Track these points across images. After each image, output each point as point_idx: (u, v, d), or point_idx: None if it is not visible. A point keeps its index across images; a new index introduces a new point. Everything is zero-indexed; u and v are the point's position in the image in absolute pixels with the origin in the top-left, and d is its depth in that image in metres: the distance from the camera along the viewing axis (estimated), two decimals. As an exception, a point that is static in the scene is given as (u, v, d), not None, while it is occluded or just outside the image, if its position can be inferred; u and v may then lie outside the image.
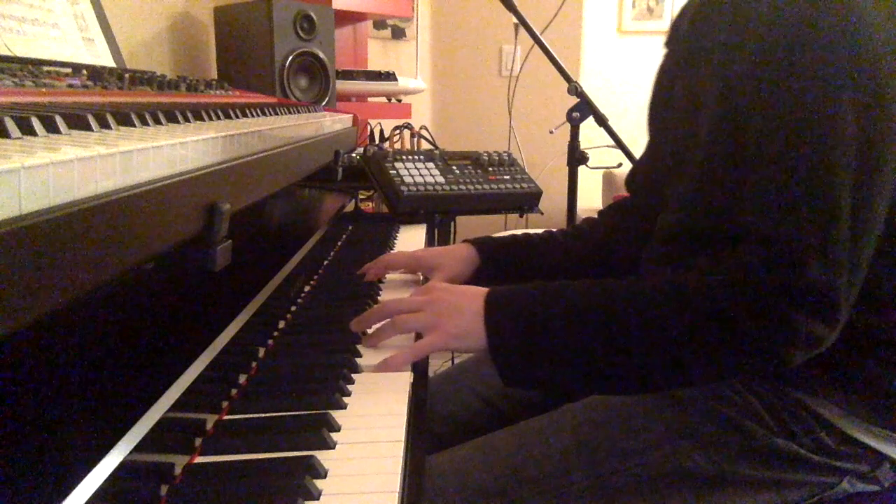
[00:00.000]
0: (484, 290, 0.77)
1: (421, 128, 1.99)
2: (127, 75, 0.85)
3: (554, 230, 1.15)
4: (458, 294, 0.78)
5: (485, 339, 0.74)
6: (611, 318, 0.73)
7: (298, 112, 1.13)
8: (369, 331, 0.79)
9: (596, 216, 1.17)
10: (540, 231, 1.13)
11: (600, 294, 0.75)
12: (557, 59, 1.71)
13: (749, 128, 0.75)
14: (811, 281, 0.68)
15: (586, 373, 0.74)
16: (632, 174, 1.14)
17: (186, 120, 0.63)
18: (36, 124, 0.40)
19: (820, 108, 0.70)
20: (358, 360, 0.73)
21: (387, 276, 1.06)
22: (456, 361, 2.55)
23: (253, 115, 0.87)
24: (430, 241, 1.32)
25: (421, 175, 1.42)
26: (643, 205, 1.06)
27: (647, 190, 1.05)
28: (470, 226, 1.86)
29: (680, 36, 0.94)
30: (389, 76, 2.08)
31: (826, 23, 0.71)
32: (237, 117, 0.79)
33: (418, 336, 0.78)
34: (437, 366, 2.63)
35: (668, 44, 0.99)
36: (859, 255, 0.70)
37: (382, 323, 0.78)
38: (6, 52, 0.82)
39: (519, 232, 1.18)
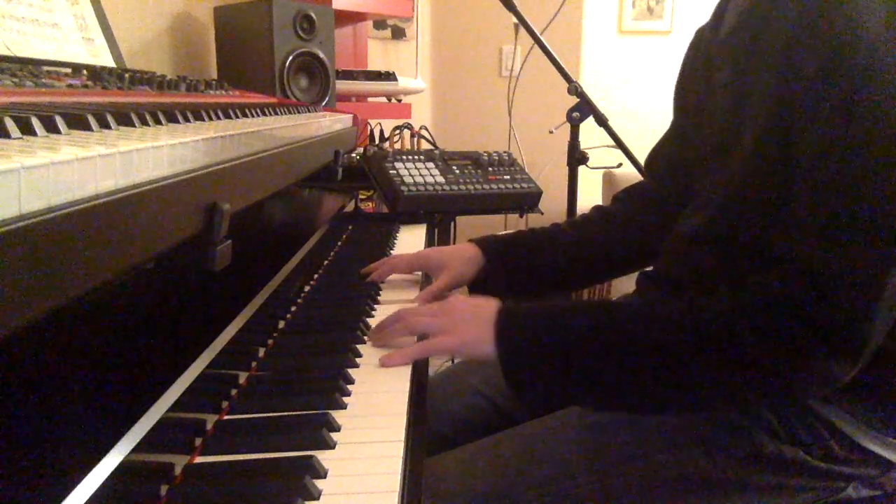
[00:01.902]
0: (498, 302, 0.78)
1: (421, 128, 1.99)
2: (127, 75, 0.85)
3: (560, 223, 1.12)
4: (473, 304, 0.78)
5: (494, 348, 0.74)
6: (623, 341, 0.72)
7: (298, 112, 1.13)
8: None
9: (609, 204, 1.12)
10: (546, 226, 1.11)
11: (615, 315, 0.74)
12: (557, 59, 1.71)
13: (802, 148, 0.69)
14: (843, 320, 0.64)
15: (594, 392, 0.74)
16: (653, 157, 1.08)
17: (186, 120, 0.63)
18: (36, 124, 0.40)
19: (885, 148, 0.64)
20: (358, 360, 0.73)
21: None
22: (456, 360, 2.55)
23: (253, 115, 0.87)
24: (430, 241, 1.32)
25: (421, 175, 1.42)
26: (663, 191, 1.02)
27: (670, 176, 1.01)
28: (470, 226, 1.86)
29: (725, 22, 0.88)
30: (389, 76, 2.08)
31: None
32: (237, 117, 0.79)
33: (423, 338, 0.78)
34: (437, 365, 2.63)
35: (711, 31, 0.93)
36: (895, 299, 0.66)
37: (394, 322, 0.78)
38: (6, 52, 0.82)
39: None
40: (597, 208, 1.12)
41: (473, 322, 0.75)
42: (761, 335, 0.67)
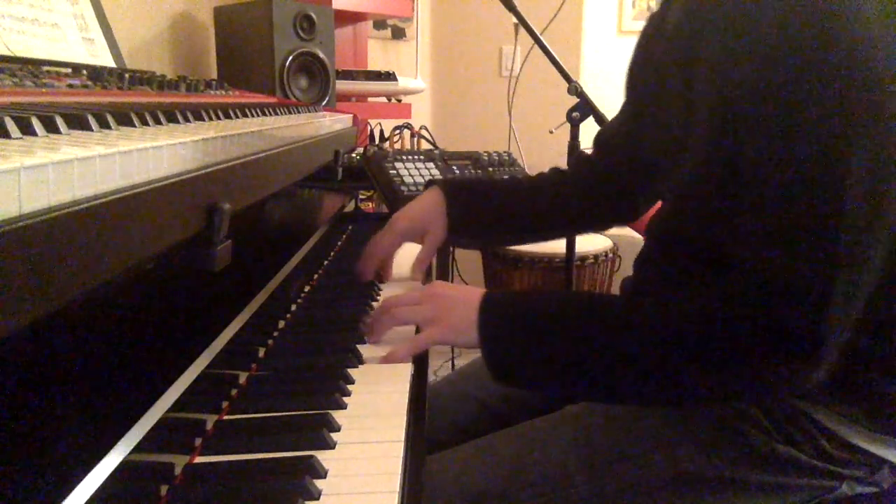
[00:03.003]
0: (482, 289, 0.79)
1: (421, 128, 1.99)
2: (127, 75, 0.85)
3: (519, 177, 1.17)
4: (457, 290, 0.80)
5: (476, 334, 0.75)
6: (599, 336, 0.73)
7: (298, 112, 1.13)
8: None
9: (564, 166, 1.17)
10: (504, 178, 1.14)
11: (594, 306, 0.76)
12: (557, 59, 1.71)
13: (748, 151, 0.69)
14: (796, 323, 0.65)
15: (569, 379, 0.75)
16: (601, 134, 1.12)
17: (186, 120, 0.63)
18: (36, 124, 0.40)
19: (832, 146, 0.64)
20: (358, 360, 0.73)
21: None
22: (456, 364, 2.56)
23: (253, 115, 0.87)
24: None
25: (421, 175, 1.42)
26: (609, 166, 1.07)
27: (616, 153, 1.05)
28: (470, 226, 1.86)
29: (670, 17, 0.87)
30: (389, 76, 2.08)
31: (839, 47, 0.64)
32: (237, 117, 0.79)
33: (419, 332, 0.79)
34: (436, 366, 2.63)
35: (652, 22, 0.94)
36: (853, 303, 0.66)
37: (381, 315, 0.79)
38: (6, 52, 0.82)
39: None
40: (554, 169, 1.15)
41: (458, 308, 0.76)
42: (723, 340, 0.68)
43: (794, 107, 0.66)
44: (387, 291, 0.99)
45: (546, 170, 1.16)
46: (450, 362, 2.58)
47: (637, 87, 1.00)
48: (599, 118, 1.71)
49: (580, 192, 1.10)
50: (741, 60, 0.69)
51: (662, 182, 0.90)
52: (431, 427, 0.99)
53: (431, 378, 0.90)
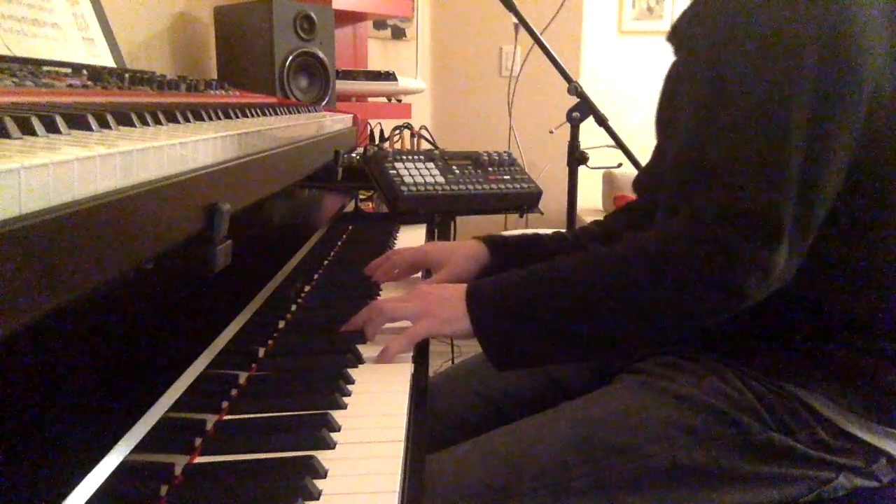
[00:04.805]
0: (464, 284, 0.82)
1: (421, 128, 1.99)
2: (127, 75, 0.85)
3: (564, 231, 1.16)
4: (443, 287, 0.84)
5: (468, 322, 0.78)
6: (577, 283, 0.77)
7: (298, 112, 1.13)
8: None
9: (603, 218, 1.18)
10: (549, 231, 1.13)
11: (568, 264, 0.80)
12: (557, 59, 1.71)
13: (726, 77, 0.76)
14: (748, 203, 0.70)
15: (565, 340, 0.78)
16: (638, 179, 1.15)
17: (186, 120, 0.63)
18: (36, 124, 0.40)
19: (779, 40, 0.73)
20: (358, 359, 0.73)
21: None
22: (456, 361, 2.56)
23: (253, 115, 0.87)
24: (429, 241, 1.32)
25: (421, 175, 1.42)
26: (647, 208, 1.05)
27: (651, 193, 1.05)
28: (470, 226, 1.86)
29: (681, 40, 0.95)
30: (389, 76, 2.08)
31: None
32: (237, 117, 0.79)
33: None
34: (437, 366, 2.63)
35: (671, 41, 0.99)
36: (813, 182, 0.71)
37: (372, 315, 0.80)
38: (6, 52, 0.82)
39: (529, 231, 1.18)
40: (595, 223, 1.17)
41: (447, 303, 0.80)
42: (689, 240, 0.73)
43: (753, 21, 0.75)
44: (386, 292, 0.99)
45: (588, 223, 1.18)
46: (449, 362, 2.58)
47: (662, 120, 1.03)
48: (599, 118, 1.71)
49: (615, 238, 1.10)
50: (726, 42, 0.78)
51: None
52: (430, 422, 0.99)
53: (431, 375, 0.90)
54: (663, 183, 0.95)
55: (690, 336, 0.86)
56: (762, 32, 0.75)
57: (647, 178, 1.11)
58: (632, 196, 1.17)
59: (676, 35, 0.97)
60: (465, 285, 0.81)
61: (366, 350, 0.76)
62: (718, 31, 0.79)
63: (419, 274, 1.06)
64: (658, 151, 1.07)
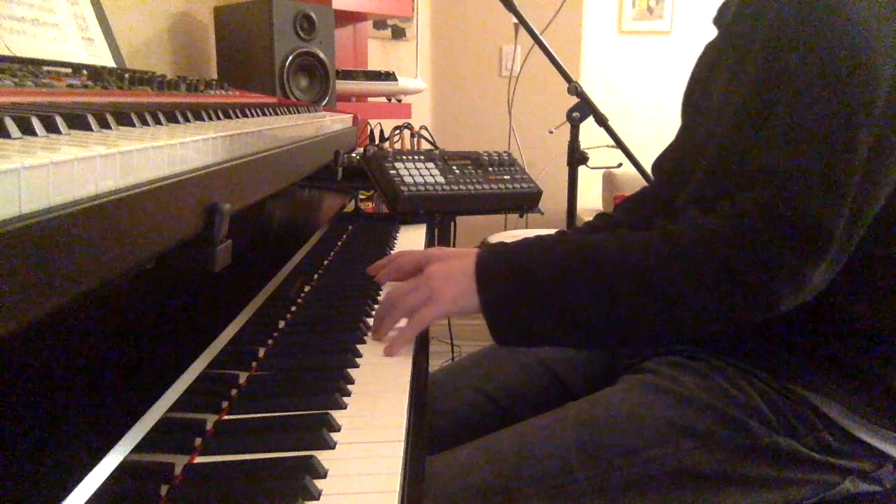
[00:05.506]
0: (475, 250, 0.80)
1: (421, 128, 1.99)
2: (127, 75, 0.85)
3: (566, 230, 1.13)
4: (450, 260, 0.82)
5: (477, 299, 0.76)
6: (600, 267, 0.74)
7: (298, 112, 1.13)
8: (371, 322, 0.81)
9: (612, 211, 1.15)
10: (552, 232, 1.12)
11: (590, 245, 0.77)
12: (557, 59, 1.71)
13: (786, 79, 0.73)
14: (803, 213, 0.68)
15: (577, 323, 0.75)
16: (660, 160, 1.11)
17: (186, 120, 0.63)
18: (36, 124, 0.40)
19: (855, 48, 0.70)
20: (358, 359, 0.73)
21: None
22: (457, 358, 2.55)
23: (253, 115, 0.87)
24: (430, 241, 1.32)
25: (421, 175, 1.42)
26: (667, 193, 1.03)
27: (675, 178, 1.02)
28: (470, 226, 1.86)
29: (727, 22, 0.92)
30: (389, 76, 2.08)
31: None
32: (237, 117, 0.79)
33: None
34: (436, 366, 2.62)
35: (716, 23, 0.97)
36: (865, 202, 0.69)
37: (388, 310, 0.80)
38: (6, 52, 0.82)
39: (530, 233, 1.17)
40: (601, 215, 1.13)
41: (453, 279, 0.78)
42: (730, 240, 0.70)
43: (826, 25, 0.71)
44: (386, 291, 0.99)
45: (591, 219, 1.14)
46: (449, 362, 2.58)
47: (692, 100, 1.02)
48: (599, 118, 1.71)
49: (630, 229, 1.08)
50: (785, 20, 0.75)
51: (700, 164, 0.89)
52: (432, 419, 0.99)
53: (432, 371, 0.90)
54: (691, 169, 0.92)
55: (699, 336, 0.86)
56: (835, 38, 0.71)
57: (671, 163, 1.07)
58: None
59: (723, 16, 0.94)
60: (472, 258, 0.79)
61: (366, 350, 0.76)
62: (783, 25, 0.76)
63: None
64: (684, 133, 1.05)
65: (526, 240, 0.81)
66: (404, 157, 1.46)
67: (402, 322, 0.79)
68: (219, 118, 0.72)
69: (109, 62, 1.05)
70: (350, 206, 1.63)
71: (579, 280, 0.74)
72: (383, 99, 2.16)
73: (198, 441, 0.56)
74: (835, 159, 0.69)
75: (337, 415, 0.60)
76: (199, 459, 0.54)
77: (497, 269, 0.77)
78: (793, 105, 0.72)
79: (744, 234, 0.70)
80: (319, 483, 0.50)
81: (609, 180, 3.58)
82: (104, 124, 0.48)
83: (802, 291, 0.71)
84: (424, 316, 0.77)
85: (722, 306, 0.72)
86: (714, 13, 0.97)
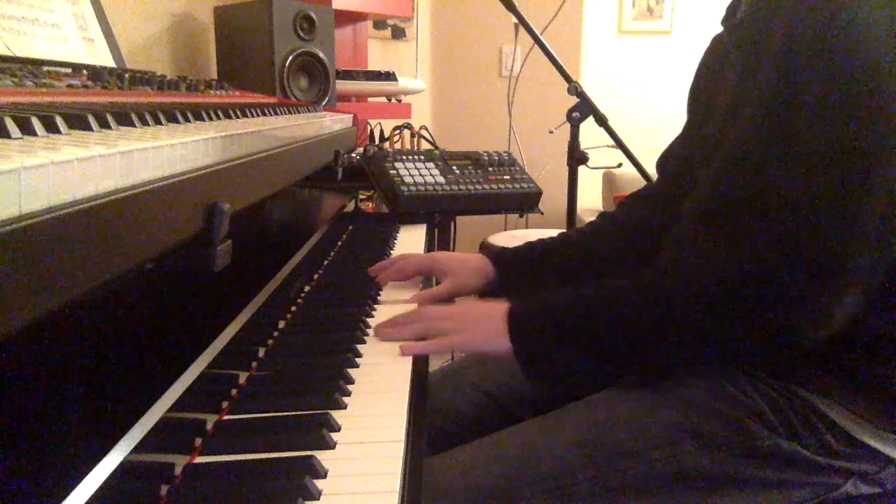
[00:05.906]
0: (506, 303, 0.84)
1: (421, 128, 1.99)
2: (127, 75, 0.85)
3: (568, 231, 1.14)
4: (484, 306, 0.86)
5: (508, 341, 0.80)
6: (623, 317, 0.78)
7: (298, 112, 1.13)
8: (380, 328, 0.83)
9: (614, 210, 1.14)
10: (553, 234, 1.12)
11: (612, 295, 0.80)
12: (557, 59, 1.71)
13: (802, 102, 0.72)
14: (826, 249, 0.68)
15: (606, 365, 0.81)
16: (664, 157, 1.11)
17: (186, 120, 0.63)
18: (36, 124, 0.40)
19: (870, 74, 0.69)
20: (358, 359, 0.73)
21: None
22: (457, 357, 2.55)
23: (253, 115, 0.87)
24: (430, 241, 1.32)
25: (421, 175, 1.42)
26: (672, 191, 1.03)
27: (680, 176, 1.02)
28: (470, 226, 1.86)
29: (737, 20, 0.90)
30: (389, 76, 2.08)
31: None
32: (237, 117, 0.79)
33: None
34: (436, 367, 2.62)
35: (724, 23, 0.95)
36: (889, 233, 0.69)
37: (412, 321, 0.83)
38: (6, 52, 0.82)
39: (532, 236, 1.17)
40: (603, 215, 1.13)
41: (486, 321, 0.82)
42: (750, 281, 0.71)
43: (842, 60, 0.70)
44: (387, 292, 0.99)
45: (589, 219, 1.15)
46: (449, 362, 2.57)
47: (698, 97, 1.02)
48: (599, 118, 1.71)
49: (644, 230, 1.07)
50: (802, 49, 0.73)
51: (706, 166, 0.88)
52: (432, 418, 0.99)
53: (432, 370, 0.91)
54: (697, 168, 0.92)
55: None
56: (849, 62, 0.70)
57: (676, 161, 1.07)
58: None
59: (730, 17, 0.93)
60: (505, 306, 0.82)
61: (366, 350, 0.76)
62: (796, 40, 0.74)
63: (419, 278, 1.06)
64: (689, 130, 1.04)
65: (553, 295, 0.84)
66: (404, 157, 1.46)
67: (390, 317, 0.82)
68: (219, 118, 0.72)
69: (109, 62, 1.06)
70: (350, 206, 1.63)
71: (604, 329, 0.78)
72: (383, 99, 2.16)
73: (198, 441, 0.56)
74: (854, 191, 0.68)
75: (337, 415, 0.60)
76: (199, 459, 0.54)
77: (529, 322, 0.81)
78: (812, 131, 0.71)
79: (765, 272, 0.70)
80: (319, 483, 0.50)
81: (609, 180, 3.58)
82: (104, 124, 0.48)
83: (825, 327, 0.71)
84: (454, 341, 0.81)
85: (746, 344, 0.75)
86: (714, 13, 0.97)
